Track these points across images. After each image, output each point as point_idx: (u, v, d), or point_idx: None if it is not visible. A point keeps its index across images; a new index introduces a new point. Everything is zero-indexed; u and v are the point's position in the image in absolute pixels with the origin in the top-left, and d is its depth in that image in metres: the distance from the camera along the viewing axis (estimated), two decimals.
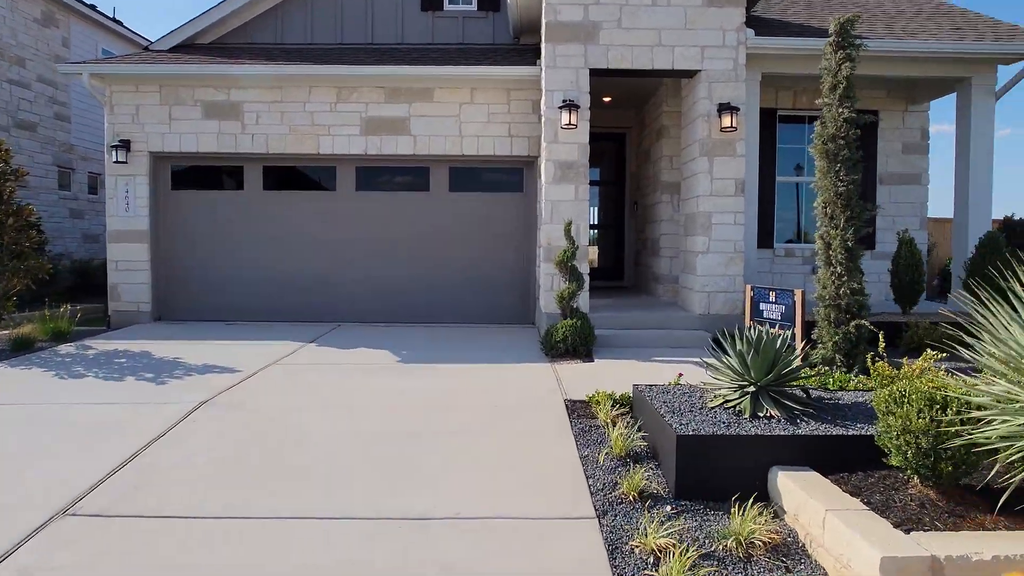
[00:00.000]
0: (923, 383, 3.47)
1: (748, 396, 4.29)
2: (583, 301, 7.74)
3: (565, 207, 7.90)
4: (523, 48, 10.06)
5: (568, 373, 6.40)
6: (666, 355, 7.12)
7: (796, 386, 4.47)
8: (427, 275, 9.74)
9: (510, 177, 9.86)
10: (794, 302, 6.27)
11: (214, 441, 4.53)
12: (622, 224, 12.59)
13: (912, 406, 3.34)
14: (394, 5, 10.42)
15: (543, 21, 7.95)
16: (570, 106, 7.64)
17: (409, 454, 4.30)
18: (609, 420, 4.80)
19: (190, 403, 5.24)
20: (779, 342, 4.44)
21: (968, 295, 7.85)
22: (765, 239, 9.58)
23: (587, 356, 7.05)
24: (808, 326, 6.21)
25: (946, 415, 3.26)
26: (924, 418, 3.27)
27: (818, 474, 3.73)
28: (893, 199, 9.96)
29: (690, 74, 8.01)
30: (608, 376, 6.22)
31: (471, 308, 9.74)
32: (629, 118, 12.15)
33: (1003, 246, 7.37)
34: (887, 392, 3.53)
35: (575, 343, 6.99)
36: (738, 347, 4.48)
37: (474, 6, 10.34)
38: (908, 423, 3.32)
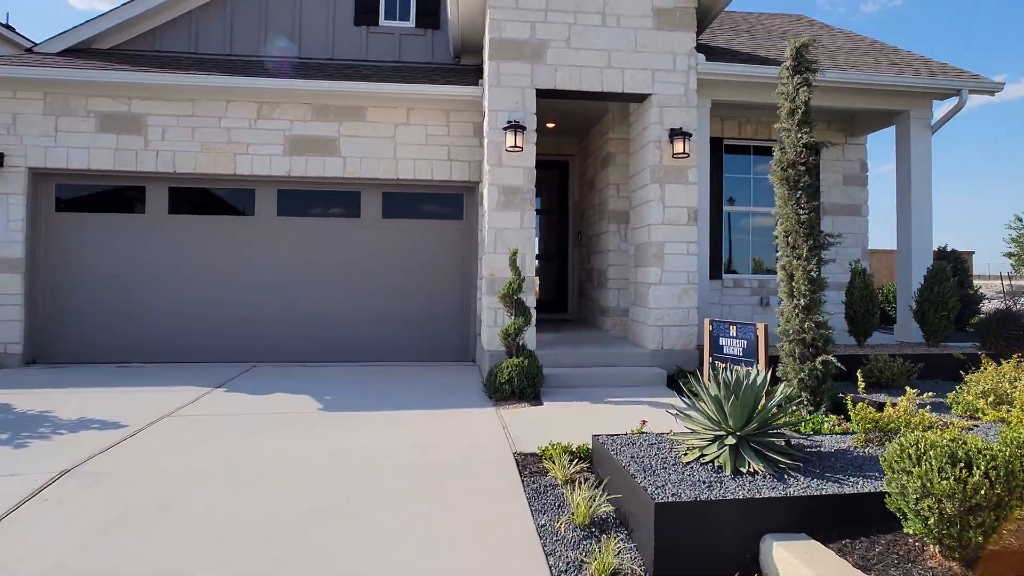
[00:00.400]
0: (938, 436, 2.98)
1: (727, 449, 3.73)
2: (530, 337, 7.11)
3: (510, 235, 7.30)
4: (463, 68, 9.53)
5: (516, 419, 5.71)
6: (620, 395, 6.54)
7: (777, 433, 3.94)
8: (357, 309, 8.91)
9: (449, 204, 9.22)
10: (756, 337, 5.84)
11: (61, 532, 3.49)
12: (565, 254, 12.13)
13: (932, 464, 2.84)
14: (324, 18, 9.73)
15: (487, 38, 7.44)
16: (515, 127, 7.11)
17: (325, 542, 3.48)
18: (567, 478, 4.14)
19: (46, 474, 4.19)
20: (758, 384, 3.92)
21: (919, 325, 7.72)
22: (714, 270, 9.29)
23: (535, 399, 6.39)
24: (770, 361, 5.78)
25: (972, 475, 2.77)
26: (948, 479, 2.77)
27: (818, 543, 3.17)
28: (836, 229, 9.89)
29: (640, 98, 7.64)
30: (560, 422, 5.57)
31: (405, 345, 8.95)
32: (572, 145, 11.79)
33: (950, 276, 7.26)
34: (899, 447, 3.03)
35: (522, 384, 6.33)
36: (712, 391, 3.93)
37: (412, 23, 9.77)
38: (929, 485, 2.81)
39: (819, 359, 5.46)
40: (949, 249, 9.35)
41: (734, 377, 3.96)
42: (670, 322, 7.47)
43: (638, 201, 8.03)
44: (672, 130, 7.40)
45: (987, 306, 10.03)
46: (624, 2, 7.44)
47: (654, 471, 3.65)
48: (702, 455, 3.80)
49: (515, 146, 7.14)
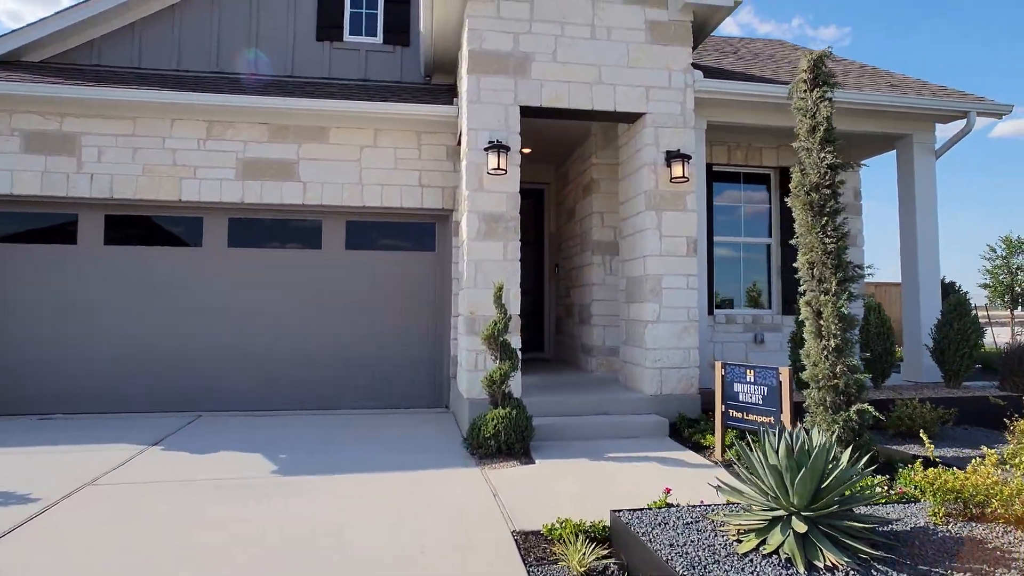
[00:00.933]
0: None
1: (792, 535, 2.95)
2: (516, 384, 6.28)
3: (492, 268, 6.51)
4: (435, 88, 8.83)
5: (507, 484, 4.84)
6: (620, 449, 5.74)
7: (847, 511, 3.18)
8: (317, 351, 7.96)
9: (420, 233, 8.40)
10: (779, 383, 5.14)
11: None
12: (541, 289, 11.38)
13: None
14: (284, 32, 8.94)
15: (465, 50, 6.75)
16: (498, 148, 6.38)
17: None
18: (586, 569, 3.30)
19: None
20: (827, 450, 3.16)
21: (938, 364, 7.15)
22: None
23: (525, 455, 5.54)
24: (795, 409, 5.07)
25: None
26: None
27: None
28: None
29: (633, 117, 7.02)
30: (560, 487, 4.73)
31: (372, 390, 8.01)
32: (548, 173, 11.15)
33: (970, 311, 6.73)
34: None
35: (509, 439, 5.47)
36: (769, 458, 3.16)
37: (379, 39, 9.05)
38: None
39: (853, 408, 4.76)
40: (947, 281, 8.92)
41: (798, 443, 3.20)
42: (669, 364, 6.73)
43: (630, 230, 7.35)
44: (669, 152, 6.77)
45: (987, 341, 9.59)
46: (614, 13, 6.86)
47: (705, 568, 2.84)
48: (762, 543, 3.01)
49: (498, 168, 6.40)
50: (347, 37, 9.00)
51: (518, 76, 6.65)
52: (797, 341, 6.44)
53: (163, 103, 7.51)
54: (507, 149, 6.42)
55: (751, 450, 3.34)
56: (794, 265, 5.29)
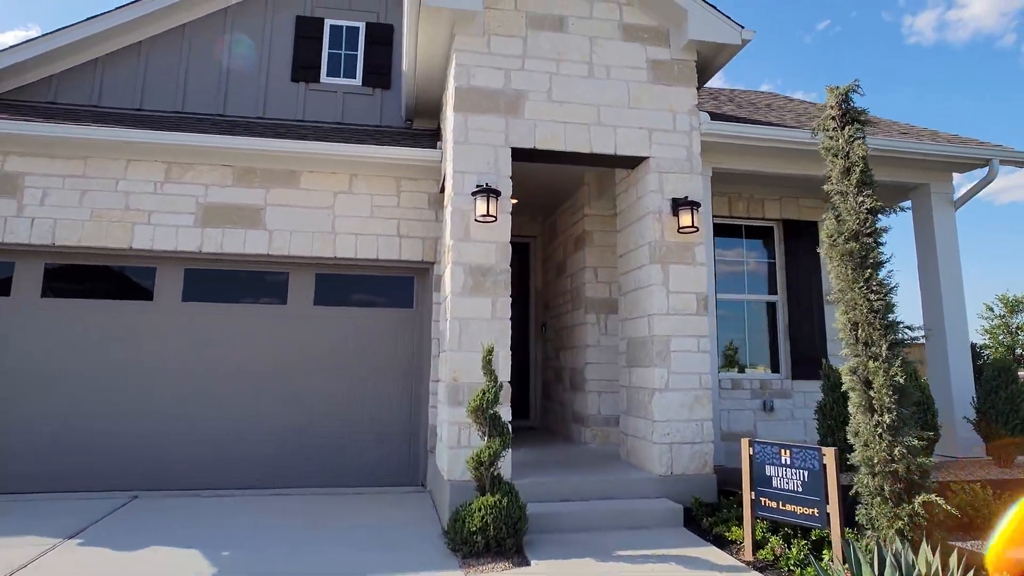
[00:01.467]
0: None
1: None
2: (506, 465, 5.40)
3: (479, 328, 5.71)
4: (417, 132, 8.22)
5: None
6: (631, 545, 4.83)
7: None
8: (276, 420, 7.01)
9: (397, 289, 7.62)
10: (823, 467, 4.33)
11: None
12: (526, 350, 10.55)
13: None
14: (256, 71, 8.33)
15: (452, 87, 6.14)
16: (488, 192, 5.69)
17: None
18: None
19: None
20: None
21: (984, 438, 6.39)
22: None
23: (518, 554, 4.60)
24: (842, 492, 4.25)
25: None
26: None
27: None
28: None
29: (635, 162, 6.41)
30: None
31: (339, 465, 7.04)
32: (534, 226, 10.50)
33: (1016, 375, 6.02)
34: None
35: (500, 534, 4.55)
36: None
37: (358, 80, 8.47)
38: None
39: (919, 500, 3.95)
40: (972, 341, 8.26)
41: (890, 561, 2.38)
42: (680, 438, 5.90)
43: (631, 286, 6.63)
44: (676, 200, 6.13)
45: None
46: (613, 51, 6.33)
47: None
48: None
49: (487, 215, 5.69)
50: (324, 78, 8.41)
51: (509, 115, 6.03)
52: (826, 411, 5.66)
53: (116, 141, 6.78)
54: (497, 194, 5.74)
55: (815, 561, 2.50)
56: (834, 326, 4.56)
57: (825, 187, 4.68)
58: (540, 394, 10.26)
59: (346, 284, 7.49)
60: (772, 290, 8.81)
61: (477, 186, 5.76)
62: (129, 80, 8.09)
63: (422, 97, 7.70)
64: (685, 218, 5.98)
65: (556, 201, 9.24)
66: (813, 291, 8.68)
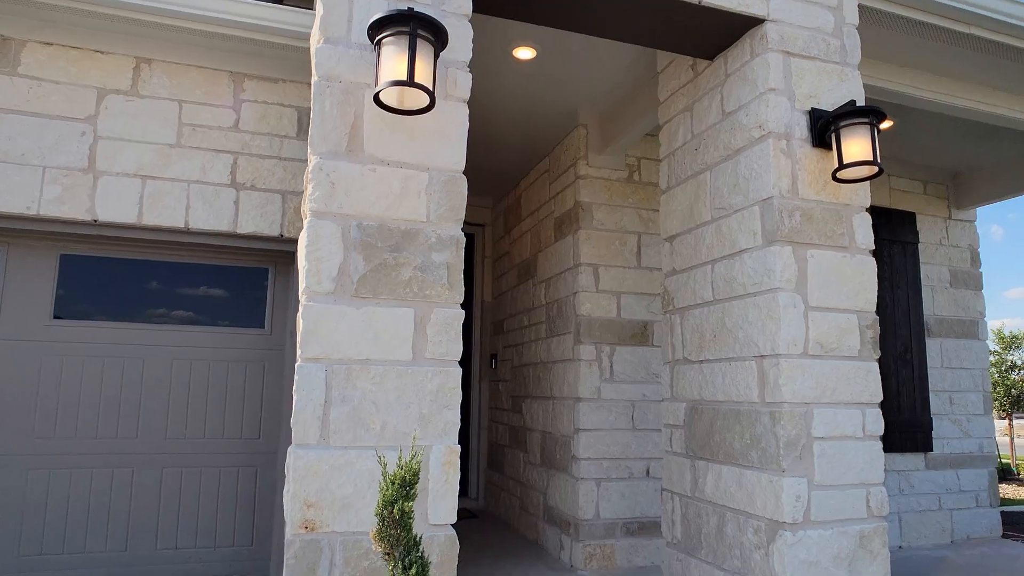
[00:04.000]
0: None
1: None
2: None
3: (380, 387, 2.17)
4: None
5: None
6: None
7: None
8: None
9: (234, 289, 3.98)
10: None
11: None
12: (466, 392, 7.02)
13: None
14: None
15: None
16: (414, 33, 2.18)
17: None
18: None
19: None
20: None
21: None
22: None
23: None
24: None
25: None
26: None
27: None
28: (946, 361, 5.73)
29: (729, 29, 3.06)
30: None
31: None
32: (480, 211, 7.08)
33: None
34: None
35: None
36: None
37: None
38: None
39: None
40: None
41: None
42: None
43: (707, 294, 3.25)
44: (815, 113, 2.85)
45: None
46: None
47: None
48: None
49: (411, 83, 2.17)
50: None
51: None
52: None
53: None
54: (436, 39, 2.24)
55: None
56: None
57: None
58: (486, 462, 6.75)
59: (124, 278, 3.78)
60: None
61: (385, 19, 2.23)
62: None
63: None
64: (856, 146, 2.68)
65: (523, 164, 5.85)
66: (907, 319, 5.66)
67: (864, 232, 2.92)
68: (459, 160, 2.40)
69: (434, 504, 2.19)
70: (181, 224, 3.66)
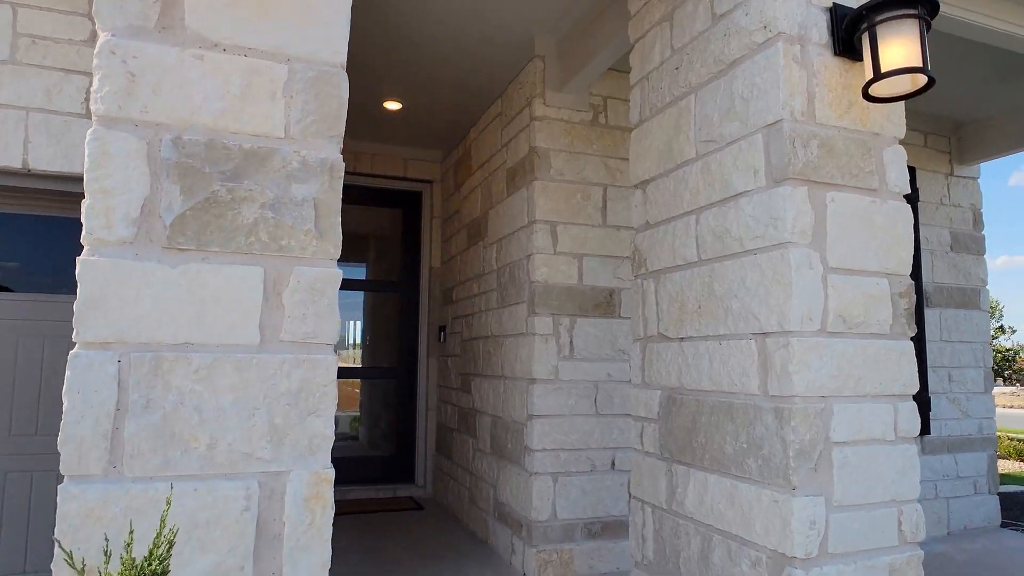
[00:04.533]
0: None
1: None
2: None
3: (202, 400, 1.40)
4: None
5: None
6: None
7: None
8: None
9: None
10: None
11: None
12: (414, 369, 6.29)
13: None
14: None
15: None
16: None
17: None
18: None
19: None
20: None
21: None
22: None
23: None
24: None
25: None
26: None
27: None
28: (945, 334, 5.17)
29: None
30: None
31: None
32: (430, 166, 6.27)
33: None
34: None
35: None
36: None
37: None
38: None
39: None
40: None
41: None
42: None
43: (690, 252, 2.53)
44: (839, 10, 2.12)
45: None
46: None
47: None
48: None
49: None
50: None
51: None
52: None
53: None
54: None
55: None
56: None
57: None
58: (434, 446, 6.05)
59: None
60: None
61: None
62: None
63: None
64: (896, 49, 1.95)
65: (474, 108, 5.03)
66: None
67: (898, 171, 2.22)
68: (338, 47, 1.61)
69: (292, 559, 1.45)
70: (18, 164, 2.82)
